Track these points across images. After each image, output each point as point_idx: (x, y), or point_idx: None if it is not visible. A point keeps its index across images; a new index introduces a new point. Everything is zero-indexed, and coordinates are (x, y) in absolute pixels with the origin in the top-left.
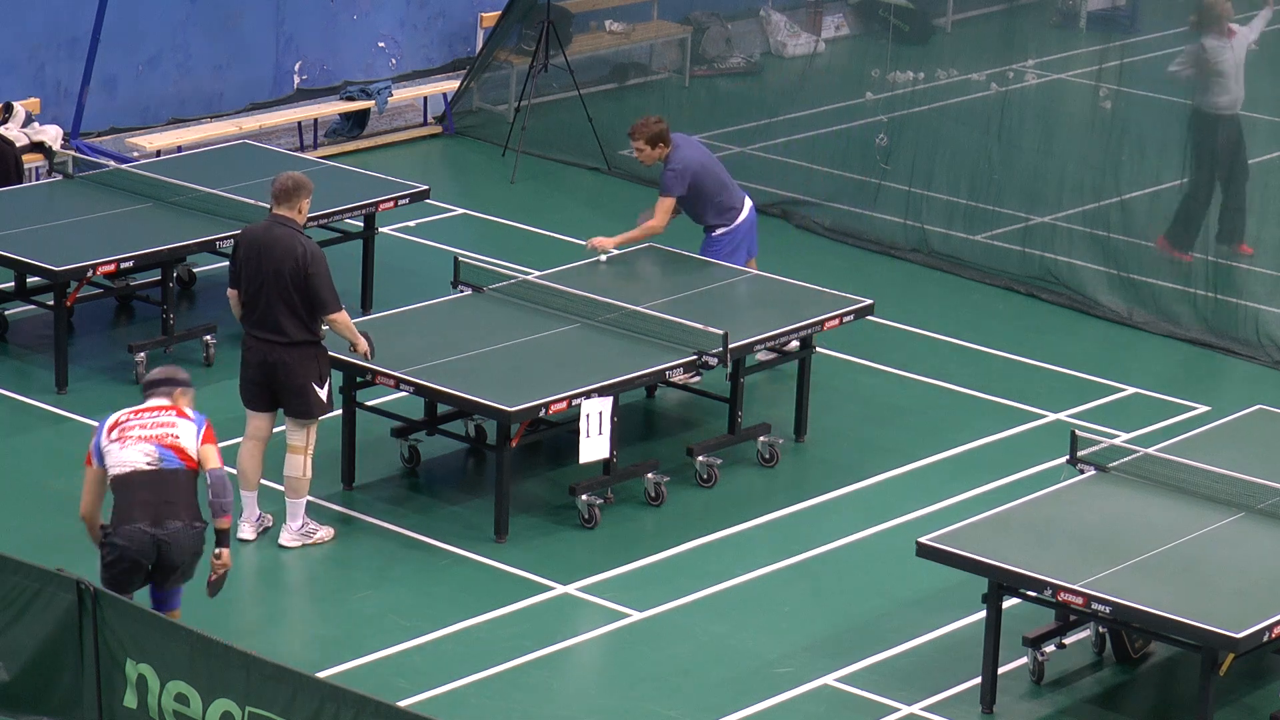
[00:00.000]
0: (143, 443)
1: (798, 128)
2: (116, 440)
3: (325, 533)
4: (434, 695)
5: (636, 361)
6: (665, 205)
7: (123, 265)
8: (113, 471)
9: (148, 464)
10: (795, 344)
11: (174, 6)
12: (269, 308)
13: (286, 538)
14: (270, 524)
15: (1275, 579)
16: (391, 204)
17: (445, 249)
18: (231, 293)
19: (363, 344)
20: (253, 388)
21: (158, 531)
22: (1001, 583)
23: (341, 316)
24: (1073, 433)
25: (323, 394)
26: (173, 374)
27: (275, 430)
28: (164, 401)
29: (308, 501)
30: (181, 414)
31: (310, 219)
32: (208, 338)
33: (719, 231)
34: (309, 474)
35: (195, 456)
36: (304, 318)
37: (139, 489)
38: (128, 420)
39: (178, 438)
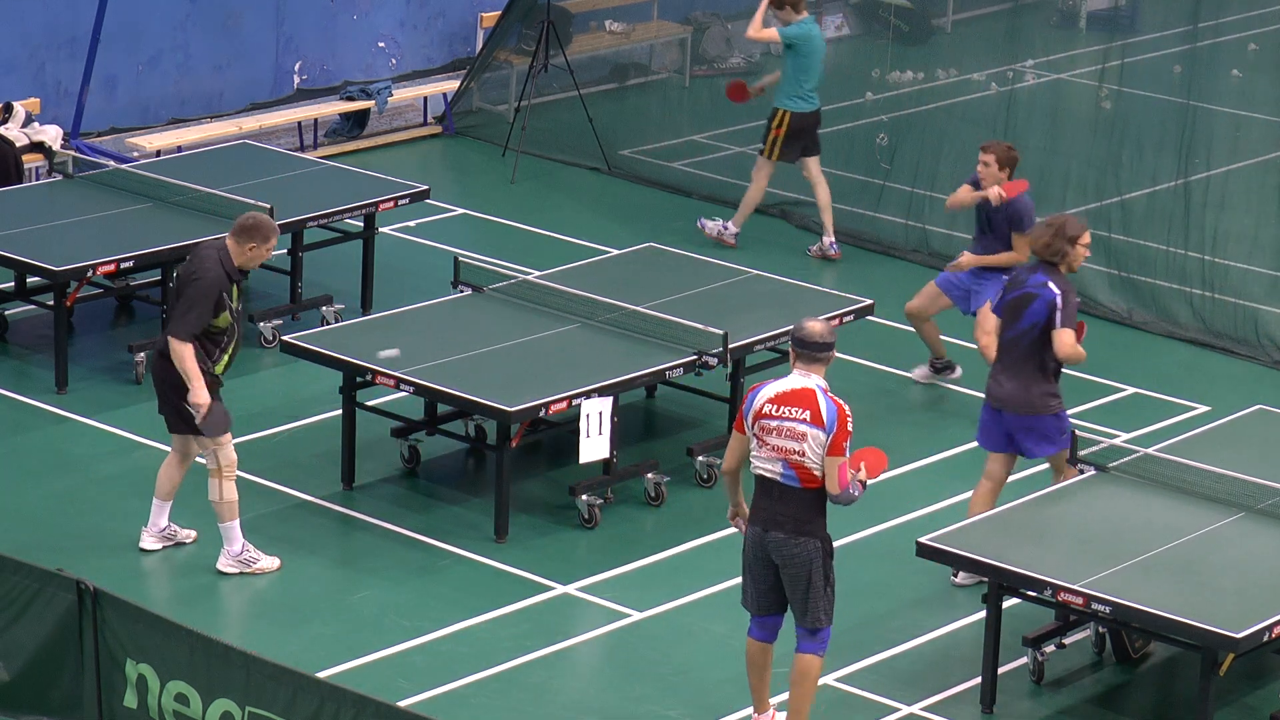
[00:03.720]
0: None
1: None
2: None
3: (268, 563)
4: (434, 695)
5: (636, 361)
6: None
7: (123, 265)
8: None
9: None
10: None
11: (174, 6)
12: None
13: (223, 562)
14: (187, 540)
15: (1275, 579)
16: (391, 204)
17: (445, 249)
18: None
19: (199, 393)
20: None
21: None
22: (1001, 583)
23: (181, 347)
24: (1073, 433)
25: (198, 413)
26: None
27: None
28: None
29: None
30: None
31: (310, 219)
32: None
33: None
34: (226, 496)
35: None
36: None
37: None
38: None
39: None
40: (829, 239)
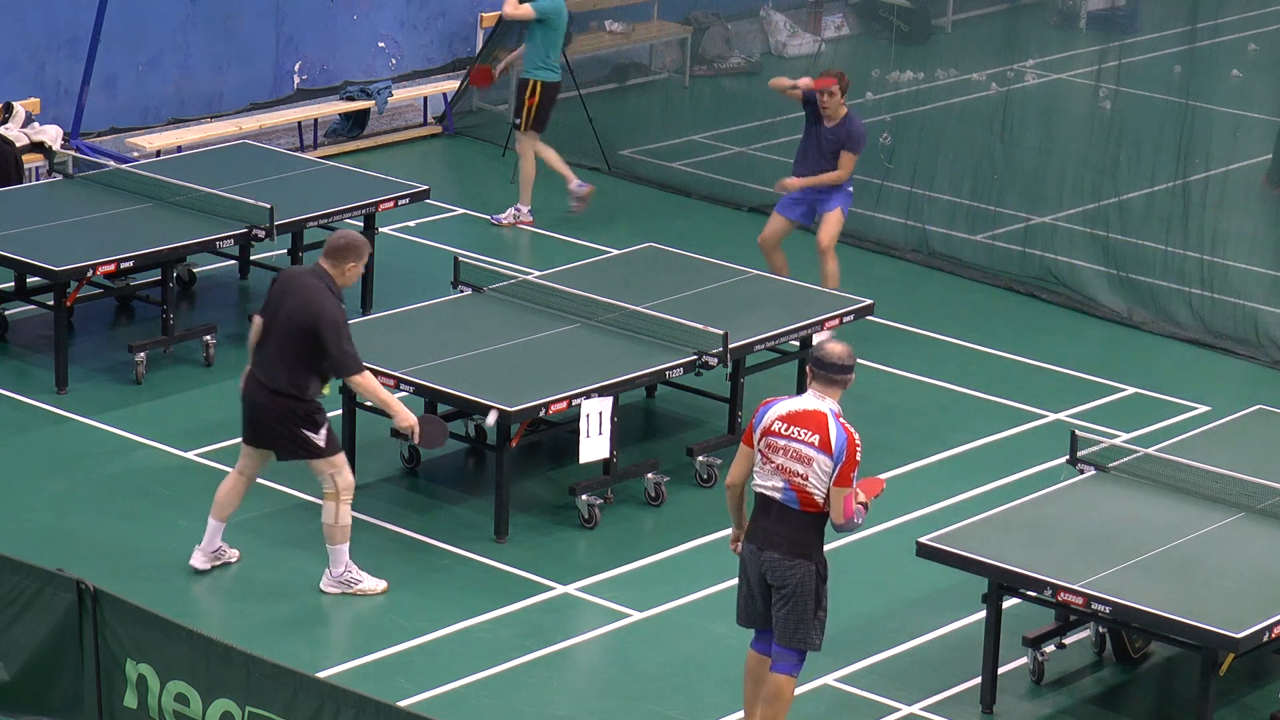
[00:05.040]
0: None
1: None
2: None
3: (372, 584)
4: (434, 695)
5: (636, 361)
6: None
7: (123, 265)
8: None
9: None
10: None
11: (174, 6)
12: (273, 350)
13: (325, 583)
14: (232, 560)
15: (1275, 579)
16: (391, 204)
17: (445, 249)
18: (257, 320)
19: (403, 416)
20: (244, 423)
21: None
22: (1001, 583)
23: (363, 379)
24: (1073, 433)
25: (317, 436)
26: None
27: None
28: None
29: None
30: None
31: (310, 219)
32: (208, 338)
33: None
34: (341, 520)
35: None
36: (298, 373)
37: None
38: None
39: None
40: (525, 207)
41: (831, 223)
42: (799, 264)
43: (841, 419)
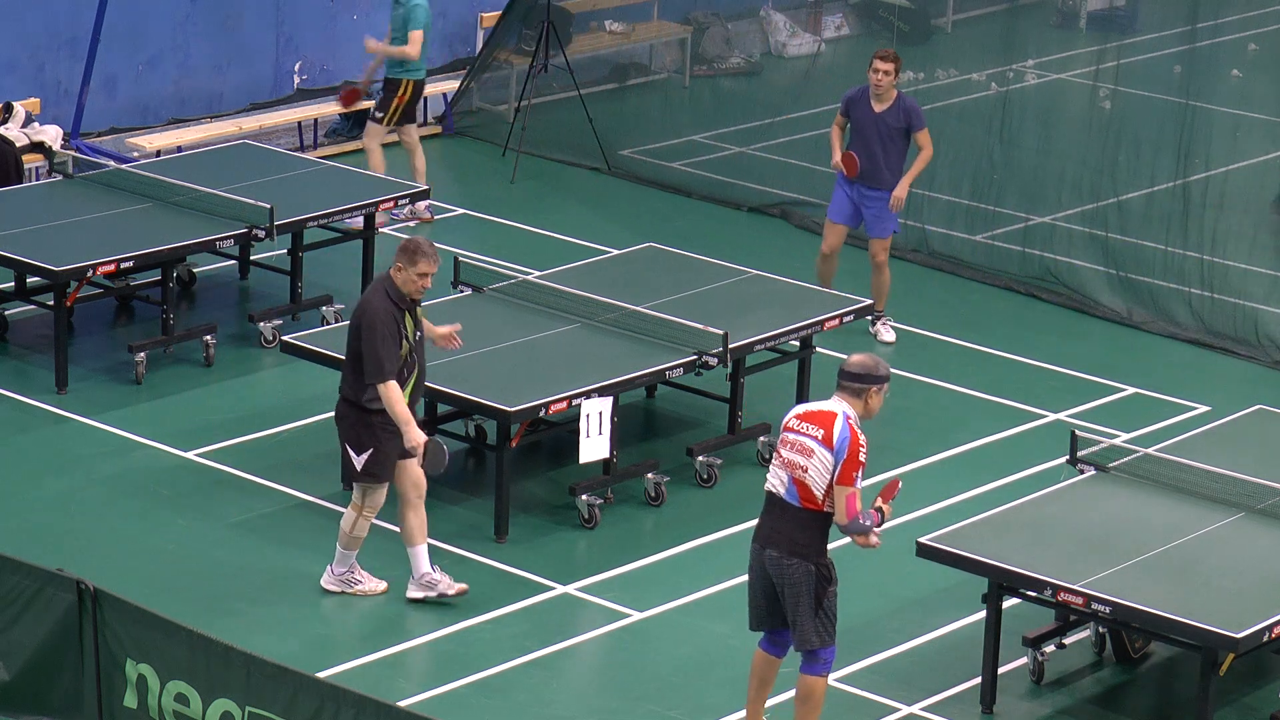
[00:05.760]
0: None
1: (798, 128)
2: None
3: (372, 585)
4: (434, 695)
5: (636, 361)
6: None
7: (123, 265)
8: None
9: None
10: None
11: (174, 6)
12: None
13: (326, 579)
14: (375, 590)
15: (1275, 579)
16: (391, 204)
17: (445, 249)
18: None
19: (412, 435)
20: None
21: None
22: (1001, 583)
23: (387, 389)
24: (1073, 433)
25: (358, 460)
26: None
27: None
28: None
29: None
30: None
31: (310, 219)
32: (208, 338)
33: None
34: (356, 531)
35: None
36: (355, 377)
37: None
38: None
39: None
40: (424, 203)
41: (884, 245)
42: (800, 264)
43: (852, 421)
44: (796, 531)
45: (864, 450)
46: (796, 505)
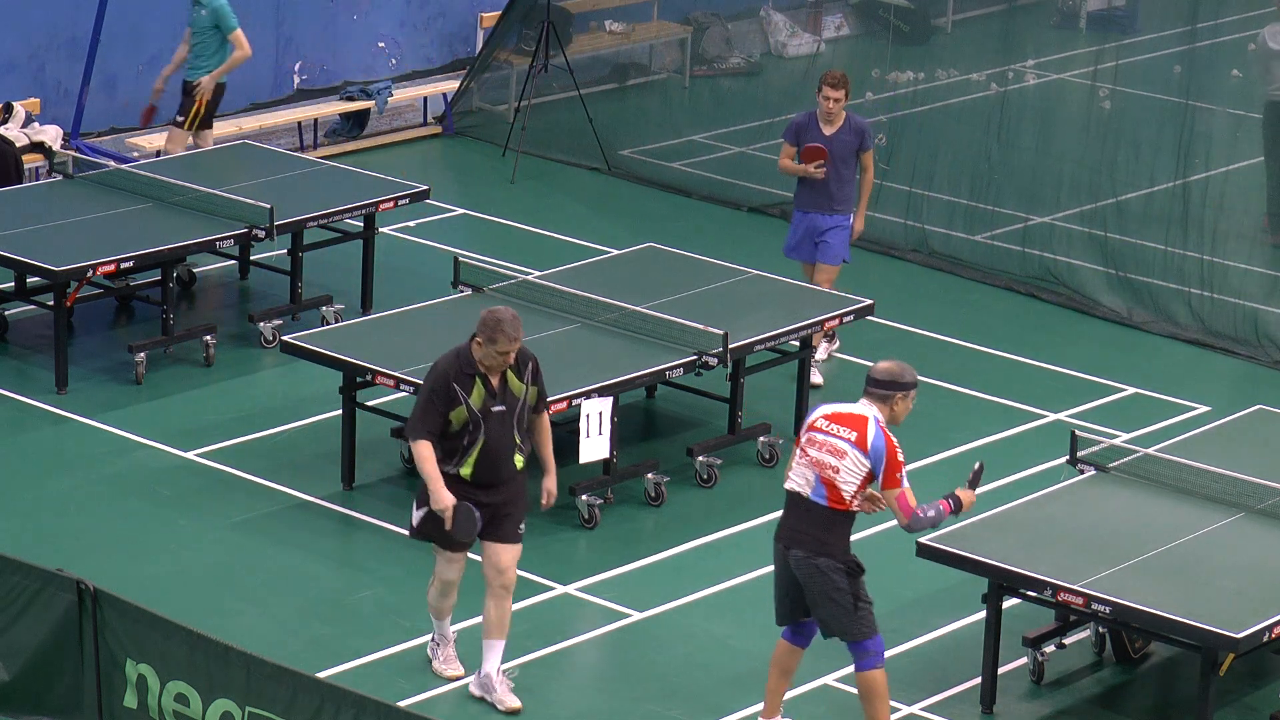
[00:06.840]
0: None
1: None
2: None
3: (442, 667)
4: (434, 695)
5: (636, 361)
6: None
7: (123, 265)
8: None
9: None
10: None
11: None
12: None
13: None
14: (451, 673)
15: (1275, 579)
16: (391, 204)
17: (445, 249)
18: None
19: (441, 498)
20: None
21: None
22: (1001, 583)
23: (418, 447)
24: (1073, 433)
25: (414, 516)
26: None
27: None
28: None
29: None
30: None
31: (310, 219)
32: (208, 338)
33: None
34: (429, 599)
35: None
36: None
37: None
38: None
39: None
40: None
41: (831, 274)
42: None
43: (883, 426)
44: (822, 531)
45: (900, 450)
46: (824, 505)
